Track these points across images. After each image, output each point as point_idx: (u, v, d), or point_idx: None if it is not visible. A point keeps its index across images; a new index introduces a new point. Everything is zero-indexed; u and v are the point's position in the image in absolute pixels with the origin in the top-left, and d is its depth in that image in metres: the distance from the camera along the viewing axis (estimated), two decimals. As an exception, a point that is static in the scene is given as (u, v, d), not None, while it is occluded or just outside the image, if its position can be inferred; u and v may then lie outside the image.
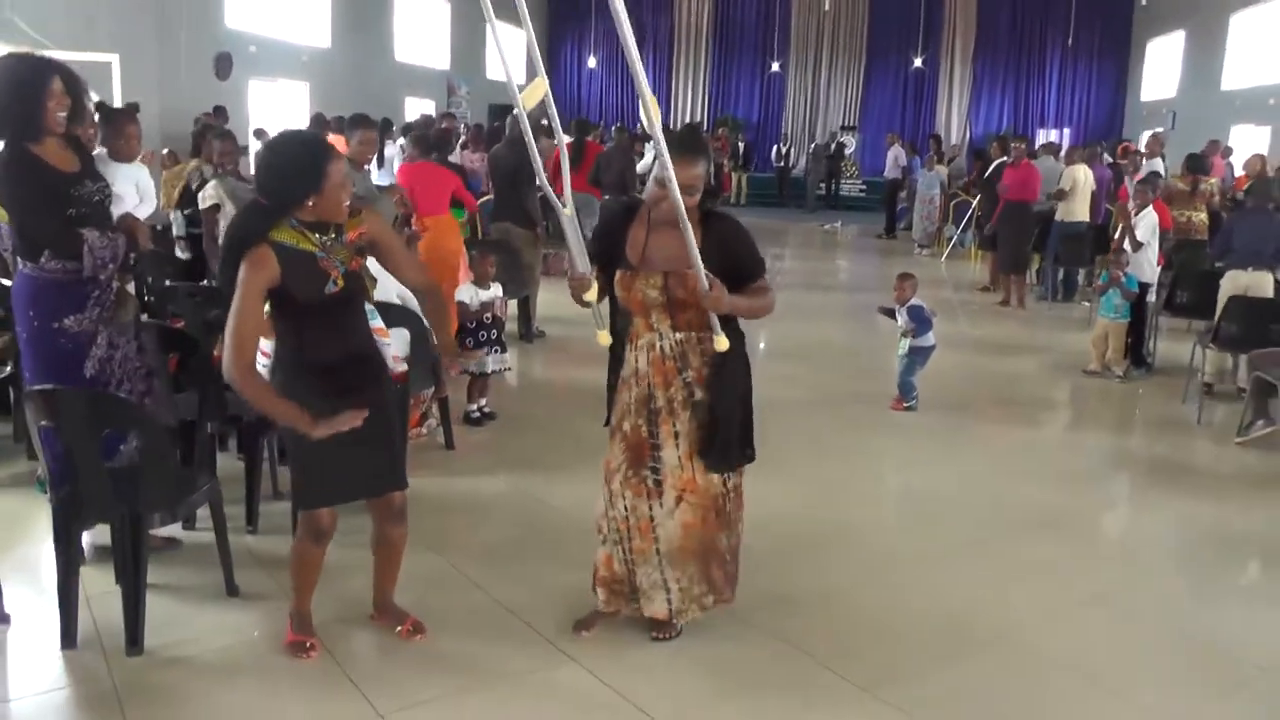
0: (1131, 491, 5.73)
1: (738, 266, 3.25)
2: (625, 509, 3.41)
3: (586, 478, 5.01)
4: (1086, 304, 11.14)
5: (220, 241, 5.77)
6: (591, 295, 3.20)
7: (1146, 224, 8.14)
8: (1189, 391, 7.16)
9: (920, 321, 6.65)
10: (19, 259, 3.92)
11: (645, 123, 3.02)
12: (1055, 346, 9.13)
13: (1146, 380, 7.92)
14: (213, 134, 6.83)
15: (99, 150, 5.02)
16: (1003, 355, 8.86)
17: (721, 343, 3.21)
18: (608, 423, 3.51)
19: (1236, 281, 7.23)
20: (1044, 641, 3.70)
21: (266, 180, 3.03)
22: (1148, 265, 8.15)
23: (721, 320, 3.23)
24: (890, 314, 6.87)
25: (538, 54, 2.94)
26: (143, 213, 5.22)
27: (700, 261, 3.06)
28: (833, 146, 24.32)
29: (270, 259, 2.93)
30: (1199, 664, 3.60)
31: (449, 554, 4.16)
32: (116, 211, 4.20)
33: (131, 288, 4.13)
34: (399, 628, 3.52)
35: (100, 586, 3.72)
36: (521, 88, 2.96)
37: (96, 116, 5.36)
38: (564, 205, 3.13)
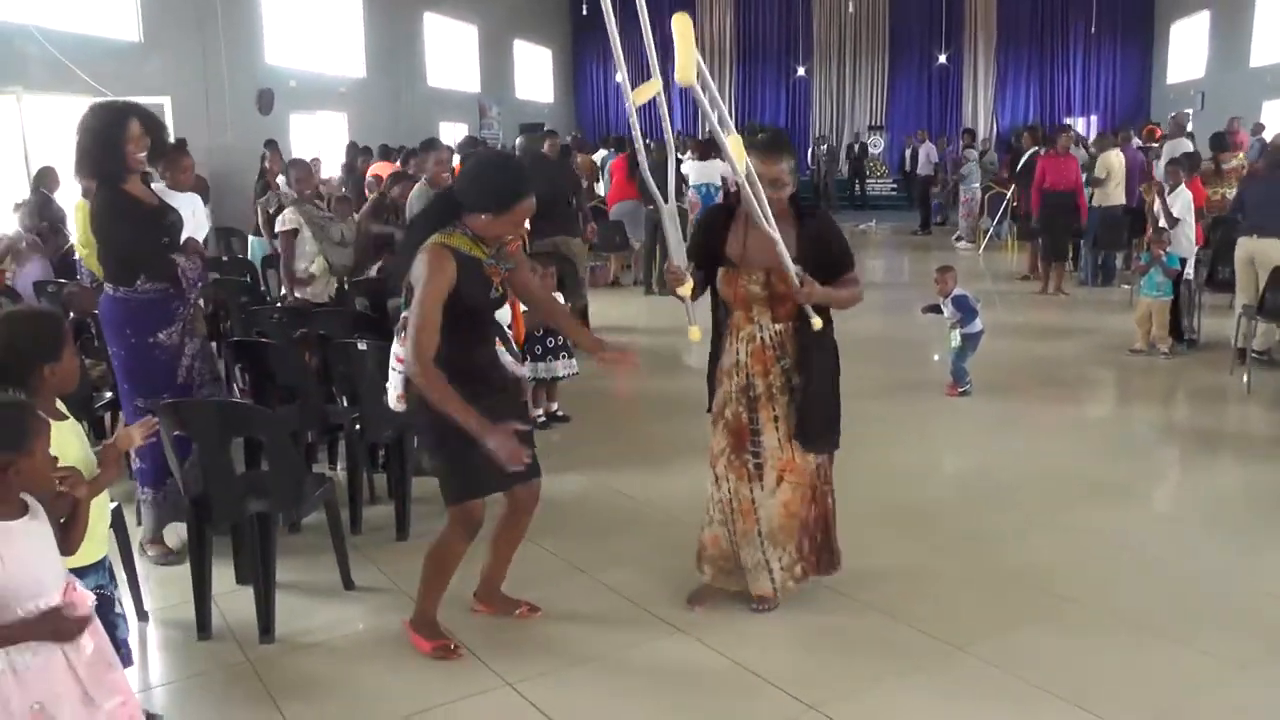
0: (1185, 459, 5.92)
1: (830, 259, 3.51)
2: (729, 491, 3.65)
3: (662, 473, 5.30)
4: (1126, 287, 11.27)
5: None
6: (686, 290, 3.44)
7: (1182, 202, 8.30)
8: (1235, 363, 7.31)
9: (966, 310, 6.85)
10: (110, 285, 4.27)
11: (719, 142, 3.17)
12: (1099, 329, 9.29)
13: (1191, 355, 8.07)
14: (288, 162, 7.15)
15: (158, 183, 5.41)
16: (1048, 339, 9.03)
17: (817, 322, 3.45)
18: (710, 409, 3.75)
19: (1245, 249, 7.37)
20: (1113, 600, 3.91)
21: (468, 178, 3.29)
22: (1185, 242, 8.30)
23: (815, 308, 3.47)
24: (935, 310, 7.05)
25: (652, 53, 3.08)
26: (200, 237, 5.65)
27: (788, 256, 3.30)
28: (856, 147, 24.46)
29: (451, 263, 3.11)
30: (1255, 616, 3.78)
31: (546, 543, 4.40)
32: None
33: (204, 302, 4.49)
34: (517, 611, 3.75)
35: (223, 586, 4.00)
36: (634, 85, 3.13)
37: None
38: (665, 201, 3.37)
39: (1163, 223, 8.19)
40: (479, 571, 3.76)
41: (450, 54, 21.24)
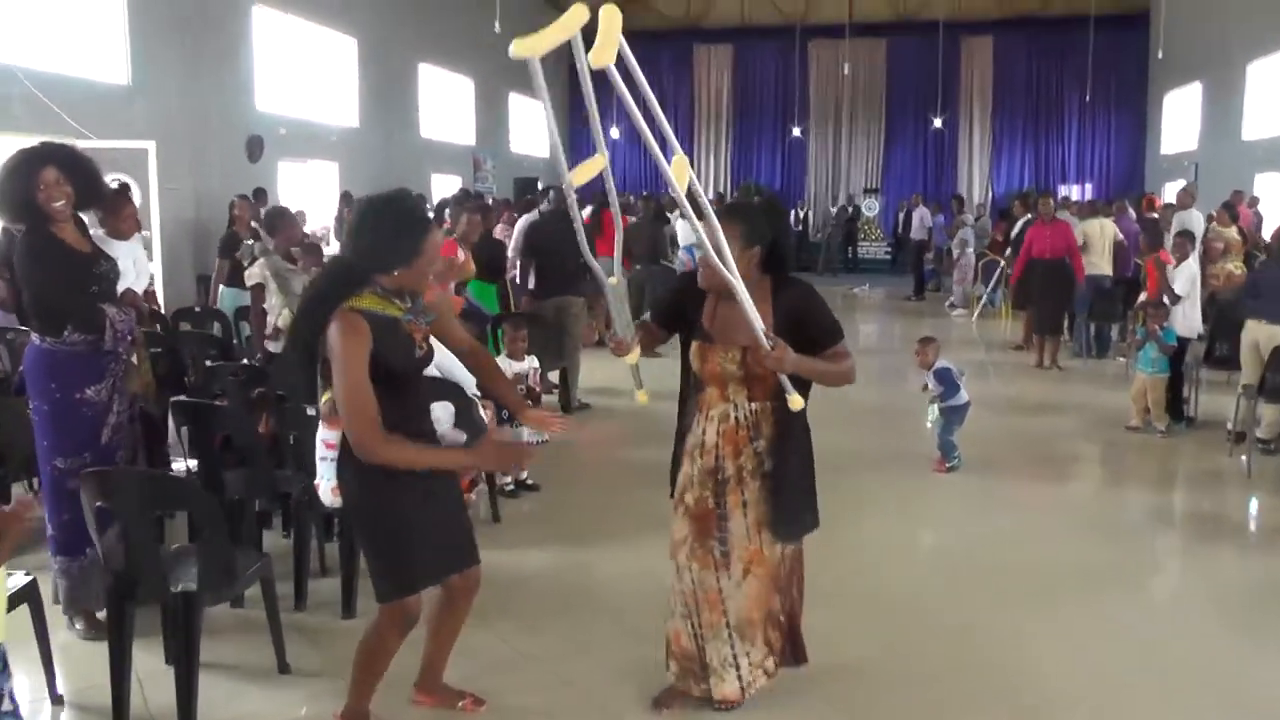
0: (1183, 549, 5.62)
1: (809, 334, 3.20)
2: (693, 581, 3.37)
3: (634, 549, 5.02)
4: (1121, 359, 11.06)
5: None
6: (633, 358, 3.19)
7: (1186, 276, 8.09)
8: (1234, 445, 7.07)
9: (949, 384, 6.64)
10: (36, 335, 4.03)
11: (673, 191, 2.94)
12: (1093, 404, 9.04)
13: (1188, 435, 7.83)
14: (268, 212, 6.90)
15: (96, 231, 5.19)
16: (1040, 414, 8.79)
17: (796, 401, 3.17)
18: (672, 494, 3.48)
19: (1252, 333, 7.15)
20: (1104, 704, 3.64)
21: (360, 242, 2.89)
22: (1182, 318, 8.09)
23: (794, 383, 3.18)
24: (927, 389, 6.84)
25: (596, 124, 2.87)
26: (139, 287, 5.43)
27: (759, 322, 3.02)
28: (850, 210, 24.44)
29: (363, 325, 2.81)
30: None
31: (500, 626, 4.12)
32: (119, 288, 4.37)
33: (136, 359, 4.23)
34: (460, 704, 3.47)
35: (150, 665, 3.70)
36: (572, 164, 2.88)
37: None
38: (610, 273, 3.12)
39: (1165, 299, 7.97)
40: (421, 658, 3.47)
41: (445, 105, 21.20)
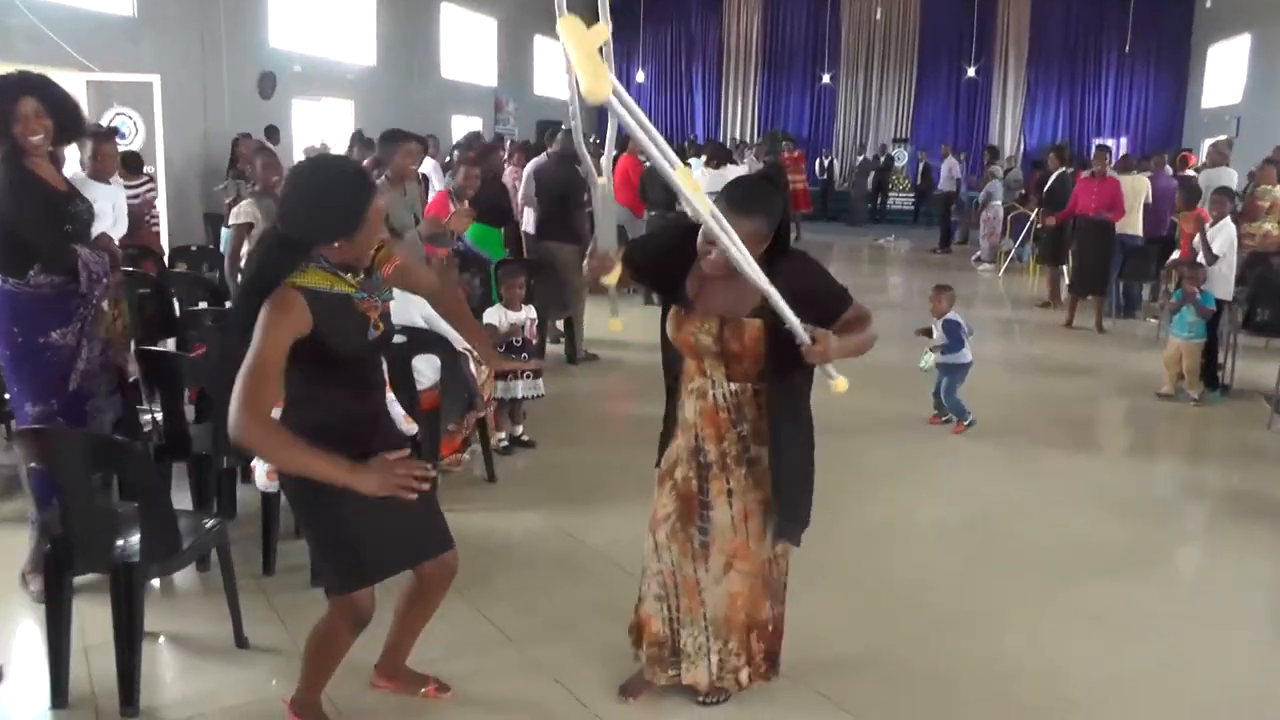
0: (1213, 530, 5.27)
1: (814, 309, 2.82)
2: (671, 563, 3.08)
3: (629, 514, 4.67)
4: (1152, 320, 10.67)
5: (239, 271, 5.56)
6: (612, 279, 2.81)
7: (1224, 236, 7.68)
8: (1273, 415, 6.70)
9: (954, 338, 6.33)
10: None
11: (694, 210, 2.57)
12: (1122, 367, 8.66)
13: (1223, 404, 7.45)
14: (253, 150, 6.55)
15: (76, 172, 4.91)
16: (1067, 376, 8.41)
17: (841, 384, 2.84)
18: (659, 464, 3.16)
19: None
20: (1127, 706, 3.34)
21: (295, 211, 2.58)
22: (1221, 281, 7.70)
23: (792, 368, 2.84)
24: (929, 333, 6.55)
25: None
26: (116, 233, 5.18)
27: (794, 317, 2.67)
28: (881, 159, 23.88)
29: (300, 304, 2.50)
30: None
31: (479, 601, 3.85)
32: (94, 231, 4.10)
33: (108, 304, 3.96)
34: (423, 689, 3.21)
35: (101, 634, 3.45)
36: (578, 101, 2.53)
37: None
38: (599, 175, 2.73)
39: (1201, 258, 7.57)
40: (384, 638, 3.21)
41: (467, 46, 20.72)
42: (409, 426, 4.12)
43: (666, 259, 2.99)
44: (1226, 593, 4.36)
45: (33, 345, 3.74)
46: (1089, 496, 5.40)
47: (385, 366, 3.77)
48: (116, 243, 4.38)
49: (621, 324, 3.01)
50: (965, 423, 6.44)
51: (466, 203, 6.72)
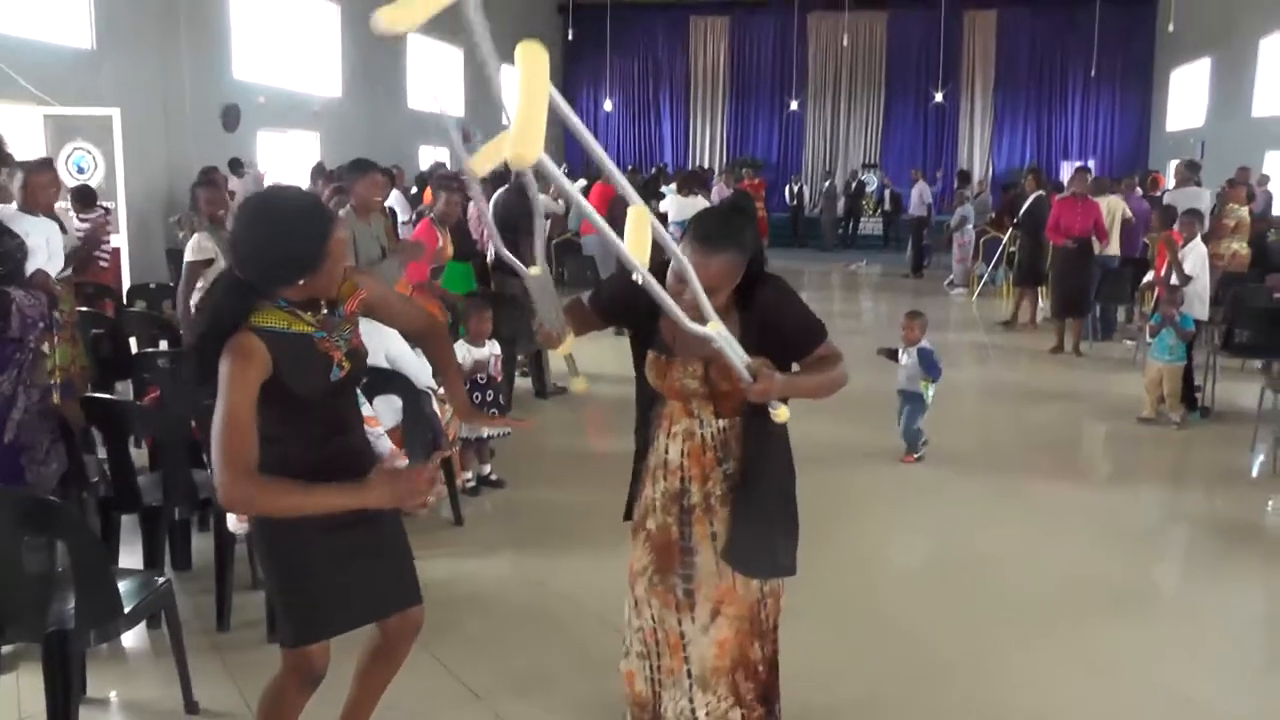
0: (1206, 561, 5.08)
1: (786, 342, 2.67)
2: (653, 619, 2.89)
3: (601, 559, 4.52)
4: (1128, 342, 10.60)
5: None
6: (566, 349, 2.64)
7: (1195, 256, 7.63)
8: (1257, 440, 6.60)
9: (932, 367, 6.20)
10: None
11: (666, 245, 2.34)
12: (1101, 391, 8.55)
13: (1205, 426, 7.35)
14: (196, 182, 6.28)
15: (6, 207, 4.67)
16: (1046, 402, 8.28)
17: (782, 413, 2.63)
18: (628, 517, 2.99)
19: None
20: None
21: (250, 254, 2.38)
22: (1198, 301, 7.63)
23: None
24: (892, 356, 6.41)
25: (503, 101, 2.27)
26: (52, 269, 4.91)
27: (734, 349, 2.50)
28: (853, 185, 23.89)
29: (259, 349, 2.34)
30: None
31: (444, 654, 3.65)
32: (28, 268, 3.90)
33: (48, 348, 3.73)
34: (383, 759, 3.00)
35: (40, 703, 3.21)
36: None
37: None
38: (531, 264, 2.57)
39: (1175, 280, 7.49)
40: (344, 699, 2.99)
41: (433, 76, 20.59)
42: (400, 461, 3.94)
43: (639, 303, 2.81)
44: (1224, 628, 4.21)
45: None
46: (1076, 529, 5.25)
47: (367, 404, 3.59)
48: (53, 279, 4.15)
49: (586, 384, 2.83)
50: (916, 455, 6.32)
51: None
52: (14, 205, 4.94)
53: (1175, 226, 8.04)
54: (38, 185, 4.99)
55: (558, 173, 2.11)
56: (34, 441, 3.61)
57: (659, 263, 2.53)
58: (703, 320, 2.44)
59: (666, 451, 2.83)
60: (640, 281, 2.28)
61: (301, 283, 2.39)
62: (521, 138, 1.85)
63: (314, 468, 2.42)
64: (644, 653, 2.92)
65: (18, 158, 5.32)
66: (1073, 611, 4.23)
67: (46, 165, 5.38)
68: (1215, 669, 3.78)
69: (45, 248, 4.64)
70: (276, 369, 2.35)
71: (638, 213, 2.21)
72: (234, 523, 2.72)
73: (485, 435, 5.52)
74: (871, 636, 3.97)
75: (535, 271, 2.49)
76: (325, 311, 2.50)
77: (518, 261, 2.53)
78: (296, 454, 2.44)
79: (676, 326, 2.67)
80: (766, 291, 2.70)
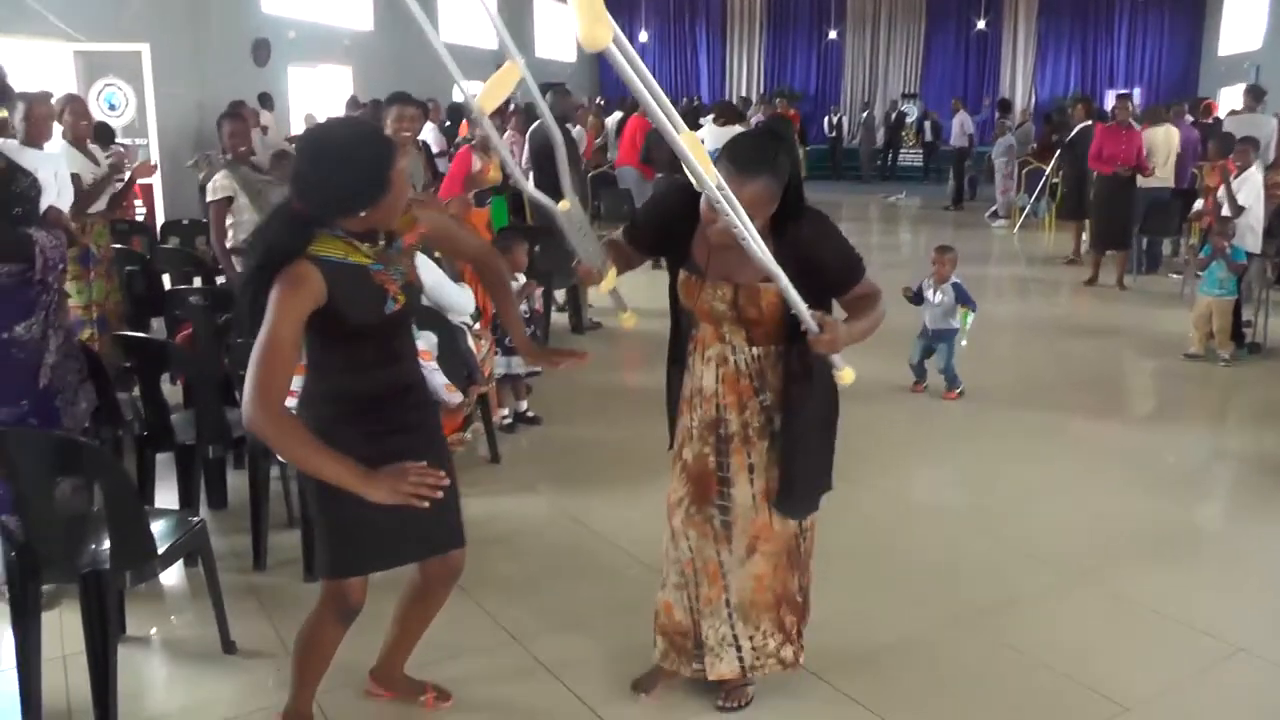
0: (1257, 504, 4.89)
1: (825, 279, 2.59)
2: (690, 549, 2.85)
3: (638, 496, 4.49)
4: (1174, 276, 10.36)
5: (233, 246, 5.30)
6: (609, 284, 2.57)
7: (1250, 187, 7.37)
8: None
9: (967, 299, 6.07)
10: None
11: (702, 185, 2.25)
12: (1147, 326, 8.37)
13: (1255, 363, 7.17)
14: (220, 116, 6.16)
15: (7, 141, 4.56)
16: (1090, 337, 8.12)
17: (847, 376, 2.60)
18: (671, 446, 2.95)
19: None
20: (1178, 710, 3.09)
21: (311, 185, 2.35)
22: (1250, 234, 7.41)
23: (795, 335, 2.59)
24: (916, 299, 6.22)
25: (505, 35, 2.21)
26: (62, 204, 4.80)
27: (802, 305, 2.42)
28: (892, 116, 23.44)
29: (314, 277, 2.31)
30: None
31: (481, 595, 3.62)
32: (41, 205, 3.80)
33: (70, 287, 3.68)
34: (421, 698, 2.99)
35: (81, 642, 3.24)
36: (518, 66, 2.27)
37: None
38: (558, 201, 2.46)
39: (1226, 210, 7.26)
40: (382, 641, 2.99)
41: (466, 8, 20.29)
42: (452, 396, 3.91)
43: (671, 225, 2.76)
44: (1269, 572, 4.10)
45: None
46: (1117, 468, 5.14)
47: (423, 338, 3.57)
48: (66, 214, 4.06)
49: (635, 319, 2.76)
50: (958, 389, 6.24)
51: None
52: (16, 140, 4.82)
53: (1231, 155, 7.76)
54: (40, 117, 4.87)
55: (627, 67, 2.02)
56: (65, 383, 3.59)
57: (692, 189, 2.46)
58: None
59: (702, 378, 2.79)
60: (708, 199, 2.27)
61: (363, 214, 2.36)
62: (588, 18, 1.80)
63: (366, 398, 2.43)
64: (681, 583, 2.89)
65: (38, 93, 5.18)
66: (1112, 553, 4.14)
67: (45, 96, 5.27)
68: (1259, 613, 3.68)
69: (54, 182, 4.54)
70: (331, 297, 2.32)
71: (691, 138, 2.16)
72: None
73: (521, 372, 5.47)
74: (903, 577, 3.91)
75: (564, 206, 2.42)
76: (383, 244, 2.47)
77: (546, 198, 2.46)
78: (349, 384, 2.42)
79: (710, 248, 2.62)
80: (803, 226, 2.61)
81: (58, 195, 4.71)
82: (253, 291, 2.34)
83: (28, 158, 3.82)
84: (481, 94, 2.16)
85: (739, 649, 2.88)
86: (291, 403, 2.56)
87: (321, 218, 2.37)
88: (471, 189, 6.39)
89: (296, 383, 2.51)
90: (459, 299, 4.66)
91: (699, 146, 2.20)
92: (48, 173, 3.76)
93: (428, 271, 4.54)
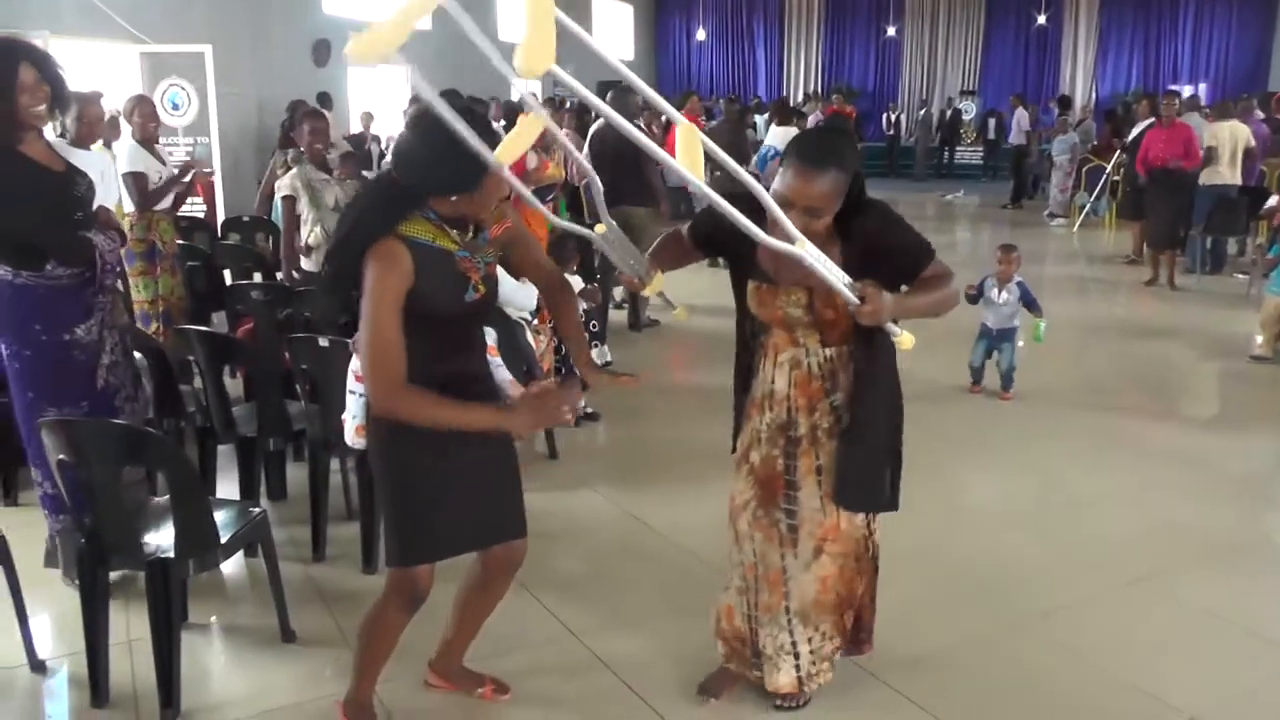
0: None
1: (895, 265, 2.57)
2: (754, 553, 2.84)
3: (698, 496, 4.49)
4: (1240, 276, 10.14)
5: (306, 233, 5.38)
6: (655, 287, 2.59)
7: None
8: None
9: (1032, 301, 5.99)
10: (6, 269, 3.42)
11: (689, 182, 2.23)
12: (1211, 328, 8.20)
13: (1326, 366, 6.99)
14: (303, 111, 6.21)
15: (55, 139, 4.60)
16: (1151, 339, 7.98)
17: (906, 340, 2.57)
18: (735, 449, 2.95)
19: None
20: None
21: (416, 159, 2.37)
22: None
23: (863, 330, 2.59)
24: (977, 297, 6.13)
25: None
26: (110, 203, 4.88)
27: (840, 283, 2.41)
28: (949, 113, 23.19)
29: (405, 256, 2.34)
30: None
31: (539, 589, 3.65)
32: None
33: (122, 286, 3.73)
34: (479, 690, 3.02)
35: (147, 628, 3.29)
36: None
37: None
38: (599, 221, 2.51)
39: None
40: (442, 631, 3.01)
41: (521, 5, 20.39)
42: (516, 391, 3.94)
43: (735, 234, 2.73)
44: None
45: (57, 343, 3.47)
46: (1183, 474, 5.03)
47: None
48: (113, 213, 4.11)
49: (686, 313, 2.78)
50: (1013, 391, 6.19)
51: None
52: (66, 138, 4.90)
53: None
54: (91, 117, 4.95)
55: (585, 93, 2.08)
56: (122, 382, 3.64)
57: (741, 194, 2.45)
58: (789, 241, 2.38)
59: (773, 381, 2.78)
60: (695, 193, 2.27)
61: (456, 198, 2.39)
62: (530, 49, 1.85)
63: (438, 384, 2.42)
64: (743, 588, 2.89)
65: (106, 95, 5.28)
66: (1174, 559, 4.06)
67: (96, 96, 5.35)
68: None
69: (101, 182, 4.62)
70: (417, 280, 2.35)
71: (686, 130, 2.20)
72: (352, 436, 2.76)
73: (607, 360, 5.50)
74: (960, 579, 3.86)
75: (600, 229, 2.46)
76: (471, 234, 2.50)
77: (578, 227, 2.53)
78: (418, 366, 2.40)
79: (773, 258, 2.59)
80: (868, 219, 2.60)
81: (105, 195, 4.79)
82: (339, 261, 2.39)
83: (77, 159, 3.87)
84: (500, 149, 2.19)
85: (797, 656, 2.86)
86: (362, 388, 2.61)
87: (421, 192, 2.40)
88: (529, 186, 6.41)
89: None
90: (519, 294, 4.69)
91: (694, 136, 2.20)
92: (94, 173, 3.81)
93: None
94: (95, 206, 3.61)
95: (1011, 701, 3.07)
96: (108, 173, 5.13)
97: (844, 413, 2.73)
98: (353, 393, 2.92)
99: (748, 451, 2.86)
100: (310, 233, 5.46)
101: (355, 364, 2.76)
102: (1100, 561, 4.04)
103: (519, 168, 6.52)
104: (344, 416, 2.99)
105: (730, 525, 2.92)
